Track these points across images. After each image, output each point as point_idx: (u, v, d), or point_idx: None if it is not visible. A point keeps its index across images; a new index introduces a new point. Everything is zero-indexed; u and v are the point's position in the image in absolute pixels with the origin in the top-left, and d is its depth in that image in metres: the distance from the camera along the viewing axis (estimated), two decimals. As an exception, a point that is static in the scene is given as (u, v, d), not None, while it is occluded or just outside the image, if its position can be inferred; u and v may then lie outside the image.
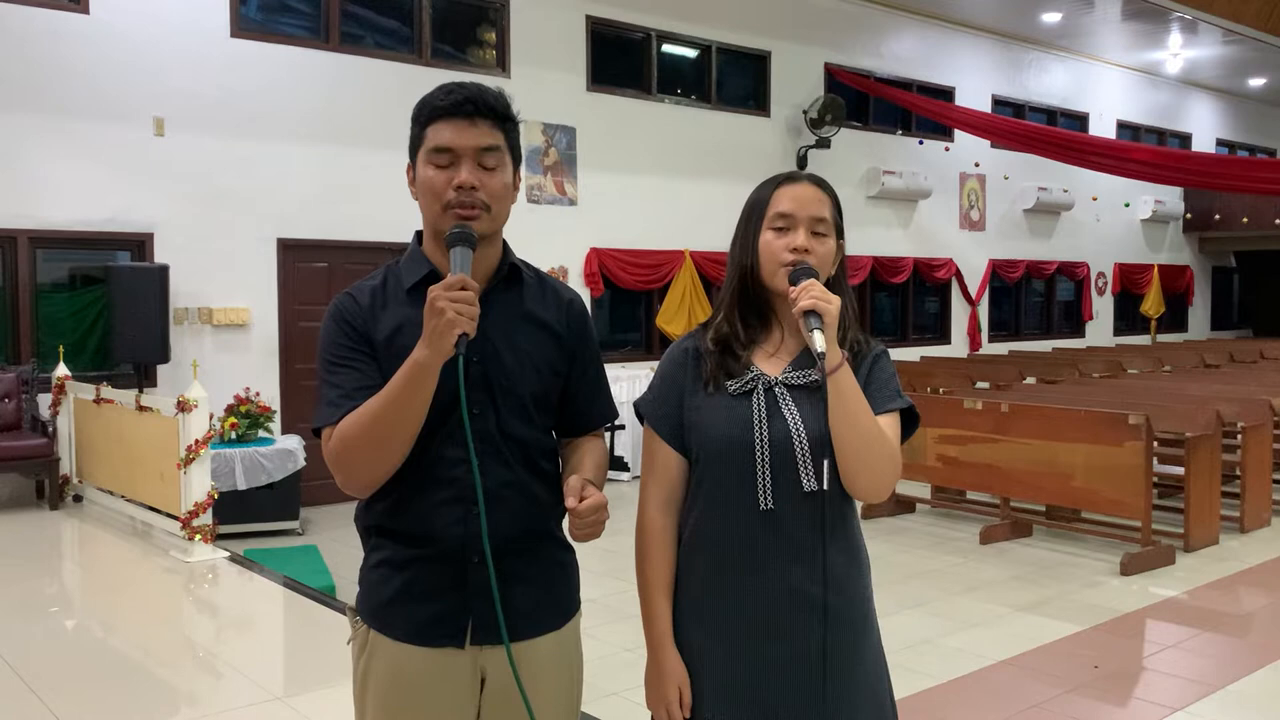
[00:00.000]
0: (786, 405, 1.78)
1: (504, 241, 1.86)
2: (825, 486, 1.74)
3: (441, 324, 1.59)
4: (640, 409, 1.92)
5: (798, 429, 1.76)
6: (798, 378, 1.80)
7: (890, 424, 1.80)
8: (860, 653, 1.81)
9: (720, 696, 1.79)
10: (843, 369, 1.72)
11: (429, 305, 1.61)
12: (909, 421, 1.86)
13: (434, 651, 1.76)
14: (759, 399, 1.79)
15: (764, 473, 1.76)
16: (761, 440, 1.76)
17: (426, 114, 1.78)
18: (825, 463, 1.74)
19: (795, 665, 1.76)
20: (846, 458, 1.73)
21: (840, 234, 1.87)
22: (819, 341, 1.69)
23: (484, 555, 1.70)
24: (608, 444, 2.05)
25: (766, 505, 1.76)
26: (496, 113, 1.78)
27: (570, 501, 1.71)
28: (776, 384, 1.80)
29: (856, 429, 1.72)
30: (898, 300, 13.60)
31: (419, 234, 1.87)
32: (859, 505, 1.88)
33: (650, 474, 1.88)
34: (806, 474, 1.75)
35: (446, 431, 1.73)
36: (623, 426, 9.22)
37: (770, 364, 1.84)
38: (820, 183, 1.87)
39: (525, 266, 1.89)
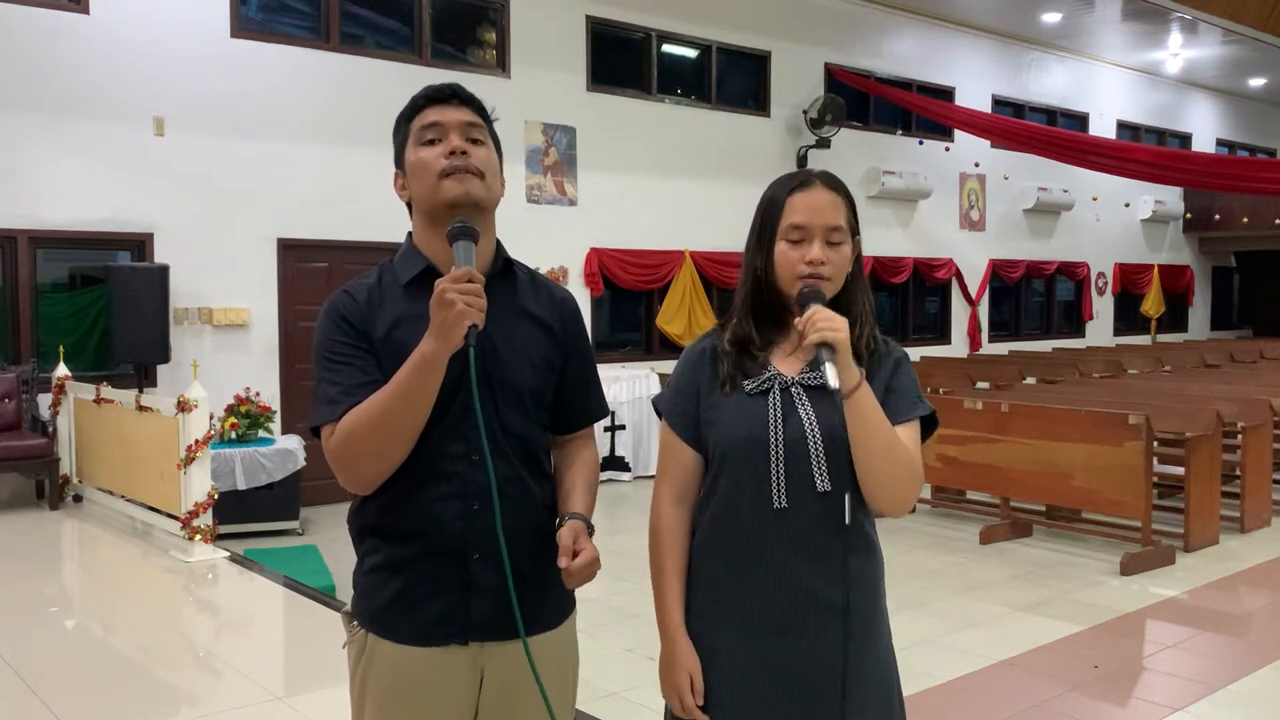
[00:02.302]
0: (802, 405, 1.79)
1: (497, 239, 1.88)
2: (834, 487, 1.75)
3: (451, 315, 1.59)
4: (658, 405, 1.95)
5: (812, 428, 1.77)
6: (814, 378, 1.80)
7: (910, 433, 1.80)
8: (871, 651, 1.81)
9: (732, 690, 1.79)
10: (860, 389, 1.71)
11: (437, 298, 1.61)
12: (928, 425, 1.86)
13: (435, 651, 1.76)
14: (775, 398, 1.79)
15: (778, 471, 1.76)
16: (776, 439, 1.77)
17: (409, 110, 1.85)
18: (836, 465, 1.74)
19: (807, 663, 1.76)
20: (868, 475, 1.74)
21: (855, 232, 1.88)
22: (831, 377, 1.67)
23: (484, 552, 1.71)
24: (606, 444, 2.06)
25: (780, 503, 1.76)
26: (475, 103, 1.86)
27: (563, 562, 1.71)
28: (793, 384, 1.81)
29: (877, 448, 1.72)
30: (898, 300, 13.59)
31: (411, 234, 1.89)
32: None
33: (665, 469, 1.90)
34: (820, 473, 1.75)
35: (445, 426, 1.74)
36: (623, 426, 9.19)
37: (787, 364, 1.85)
38: (834, 185, 1.87)
39: (518, 264, 1.91)
